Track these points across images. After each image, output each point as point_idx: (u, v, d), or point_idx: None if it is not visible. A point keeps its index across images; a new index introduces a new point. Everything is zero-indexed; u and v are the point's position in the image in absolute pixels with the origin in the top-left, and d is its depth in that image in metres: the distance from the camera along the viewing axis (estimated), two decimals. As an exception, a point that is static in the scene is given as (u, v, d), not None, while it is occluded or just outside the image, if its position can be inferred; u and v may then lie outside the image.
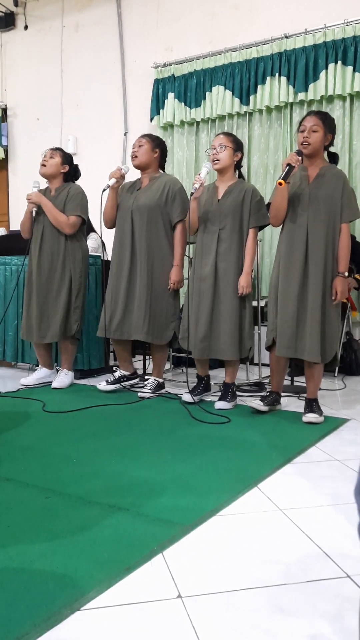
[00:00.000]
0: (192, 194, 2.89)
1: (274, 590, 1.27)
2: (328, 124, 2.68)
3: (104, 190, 3.20)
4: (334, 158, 2.80)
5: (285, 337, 2.69)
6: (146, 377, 3.51)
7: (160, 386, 3.32)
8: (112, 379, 3.39)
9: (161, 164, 3.33)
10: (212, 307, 2.93)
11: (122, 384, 3.40)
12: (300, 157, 2.63)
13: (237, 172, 3.07)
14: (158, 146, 3.27)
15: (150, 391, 3.23)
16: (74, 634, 1.12)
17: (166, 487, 1.86)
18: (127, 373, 3.44)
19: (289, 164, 2.59)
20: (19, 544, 1.46)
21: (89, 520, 1.60)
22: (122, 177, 3.22)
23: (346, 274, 2.68)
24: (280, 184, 2.58)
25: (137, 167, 3.26)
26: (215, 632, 1.12)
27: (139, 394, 3.22)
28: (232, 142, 2.97)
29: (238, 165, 3.05)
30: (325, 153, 2.78)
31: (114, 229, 3.35)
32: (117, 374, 3.42)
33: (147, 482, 1.90)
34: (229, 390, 3.03)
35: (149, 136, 3.30)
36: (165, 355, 3.37)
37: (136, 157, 3.22)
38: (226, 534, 1.55)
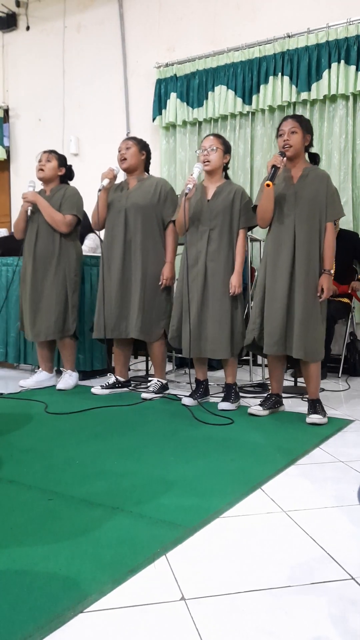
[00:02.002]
0: (186, 194, 2.90)
1: (277, 592, 1.26)
2: (305, 125, 2.75)
3: (99, 190, 3.23)
4: (315, 159, 2.85)
5: (273, 335, 2.71)
6: (149, 379, 3.51)
7: (164, 387, 3.32)
8: (107, 384, 3.40)
9: (146, 166, 3.38)
10: (202, 306, 2.95)
11: (115, 390, 3.38)
12: (284, 158, 2.68)
13: (224, 173, 3.11)
14: (144, 148, 3.33)
15: (153, 392, 3.22)
16: (77, 636, 1.11)
17: (169, 488, 1.85)
18: (122, 379, 3.43)
19: (274, 165, 2.64)
20: (22, 546, 1.46)
21: (91, 522, 1.60)
22: (115, 177, 3.25)
23: (332, 271, 2.71)
24: (267, 185, 2.62)
25: (126, 169, 3.30)
26: (218, 635, 1.11)
27: (142, 395, 3.21)
28: (222, 144, 3.01)
29: (226, 167, 3.09)
30: (307, 155, 2.83)
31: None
32: (111, 380, 3.42)
33: (150, 483, 1.90)
34: (231, 391, 3.03)
35: (135, 139, 3.35)
36: (164, 354, 3.36)
37: (125, 159, 3.26)
38: (229, 535, 1.54)
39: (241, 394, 3.25)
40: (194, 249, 3.01)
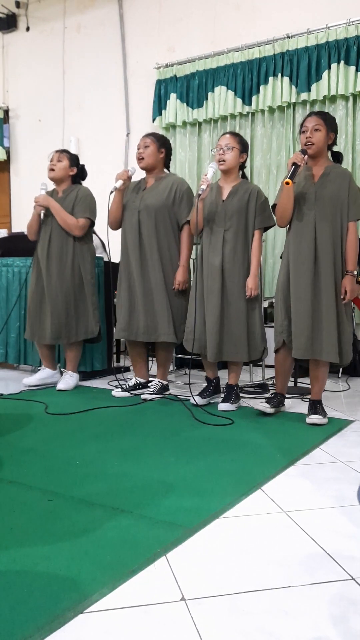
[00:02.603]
0: (199, 194, 2.85)
1: (278, 593, 1.26)
2: (329, 123, 2.68)
3: (111, 192, 3.16)
4: (338, 157, 2.79)
5: (301, 338, 2.65)
6: (150, 379, 3.51)
7: (165, 388, 3.31)
8: (128, 386, 3.33)
9: (166, 164, 3.30)
10: (221, 309, 2.90)
11: (136, 392, 3.31)
12: (305, 156, 2.62)
13: (241, 172, 3.05)
14: (163, 145, 3.23)
15: (154, 393, 3.22)
16: (77, 636, 1.11)
17: (170, 489, 1.85)
18: (143, 381, 3.38)
19: (294, 163, 2.58)
20: (22, 546, 1.46)
21: (92, 523, 1.60)
22: (129, 178, 3.18)
23: (355, 272, 2.66)
24: (287, 183, 2.56)
25: (143, 169, 3.22)
26: (219, 635, 1.12)
27: (142, 395, 3.21)
28: (238, 143, 2.94)
29: (242, 166, 3.03)
30: (329, 153, 2.78)
31: (118, 230, 3.34)
32: (132, 382, 3.35)
33: (150, 484, 1.90)
34: (232, 392, 3.02)
35: (154, 135, 3.25)
36: (170, 356, 3.35)
37: (143, 158, 3.18)
38: (230, 536, 1.54)
39: (241, 395, 3.24)
40: (208, 250, 2.95)
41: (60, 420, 2.75)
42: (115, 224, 3.28)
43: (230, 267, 2.91)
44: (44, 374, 3.58)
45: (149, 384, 3.34)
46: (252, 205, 2.91)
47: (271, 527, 1.60)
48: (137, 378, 3.38)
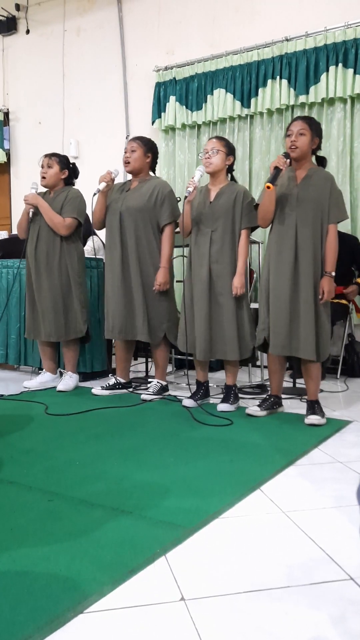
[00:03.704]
0: (185, 197, 2.91)
1: (277, 593, 1.27)
2: (314, 128, 2.74)
3: (94, 194, 3.25)
4: (322, 162, 2.84)
5: (279, 336, 2.72)
6: (149, 380, 3.52)
7: (164, 389, 3.33)
8: (108, 385, 3.41)
9: (152, 167, 3.37)
10: (210, 308, 2.96)
11: (115, 391, 3.40)
12: (287, 160, 2.68)
13: (229, 175, 3.11)
14: (150, 150, 3.31)
15: (152, 394, 3.23)
16: (77, 636, 1.12)
17: (169, 489, 1.86)
18: (123, 381, 3.45)
19: (276, 167, 2.64)
20: (22, 546, 1.46)
21: (92, 523, 1.60)
22: (112, 180, 3.26)
23: (333, 273, 2.71)
24: (268, 187, 2.62)
25: (130, 172, 3.30)
26: (218, 635, 1.12)
27: (142, 396, 3.22)
28: (224, 147, 3.00)
29: (230, 169, 3.09)
30: (314, 157, 2.83)
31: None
32: (112, 381, 3.43)
33: (150, 484, 1.90)
34: (231, 392, 3.03)
35: (141, 139, 3.31)
36: (166, 356, 3.37)
37: (129, 162, 3.25)
38: (229, 536, 1.55)
39: (240, 395, 3.25)
40: (197, 251, 3.02)
41: (60, 421, 2.76)
42: (98, 225, 3.35)
43: (218, 267, 2.96)
44: (45, 378, 3.59)
45: (148, 385, 3.35)
46: (239, 205, 2.96)
47: (270, 527, 1.60)
48: (117, 377, 3.43)
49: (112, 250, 3.26)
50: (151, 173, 3.38)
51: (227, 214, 2.96)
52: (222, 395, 3.09)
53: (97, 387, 3.42)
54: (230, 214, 2.96)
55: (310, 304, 2.66)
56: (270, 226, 2.85)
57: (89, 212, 3.49)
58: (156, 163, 3.38)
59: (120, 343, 3.39)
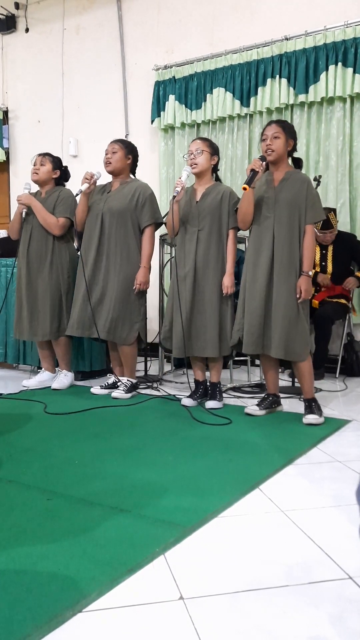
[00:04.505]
0: (174, 197, 2.94)
1: (276, 592, 1.27)
2: (288, 130, 2.79)
3: (76, 195, 3.27)
4: (298, 163, 2.89)
5: (252, 335, 2.76)
6: (148, 379, 3.52)
7: (134, 386, 3.34)
8: (107, 384, 3.43)
9: (132, 170, 3.41)
10: (192, 306, 3.00)
11: (114, 390, 3.37)
12: (263, 162, 2.73)
13: (215, 175, 3.14)
14: (131, 152, 3.35)
15: (123, 392, 3.25)
16: (76, 635, 1.12)
17: (168, 488, 1.86)
18: (117, 379, 3.44)
19: (252, 169, 2.70)
20: (21, 545, 1.46)
21: (90, 522, 1.60)
22: (95, 182, 3.28)
23: (310, 273, 2.74)
24: (244, 188, 2.67)
25: (110, 173, 3.33)
26: (217, 634, 1.12)
27: (112, 394, 3.25)
28: (208, 147, 3.04)
29: (215, 169, 3.12)
30: (290, 159, 2.87)
31: None
32: (111, 380, 3.44)
33: (149, 483, 1.90)
34: (216, 390, 3.08)
35: (122, 142, 3.36)
36: (134, 355, 3.37)
37: (110, 163, 3.29)
38: (228, 535, 1.55)
39: (239, 395, 3.27)
40: (183, 250, 3.06)
41: (59, 419, 2.76)
42: (81, 226, 3.38)
43: (203, 266, 3.00)
44: (44, 377, 3.61)
45: (118, 384, 3.36)
46: (225, 205, 3.00)
47: (269, 526, 1.60)
48: (115, 376, 3.44)
49: (88, 250, 3.29)
50: (131, 175, 3.42)
51: (213, 214, 3.00)
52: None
53: (96, 387, 3.43)
54: (216, 213, 3.00)
55: (283, 303, 2.69)
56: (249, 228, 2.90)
57: None
58: (136, 166, 3.42)
59: (111, 343, 3.40)
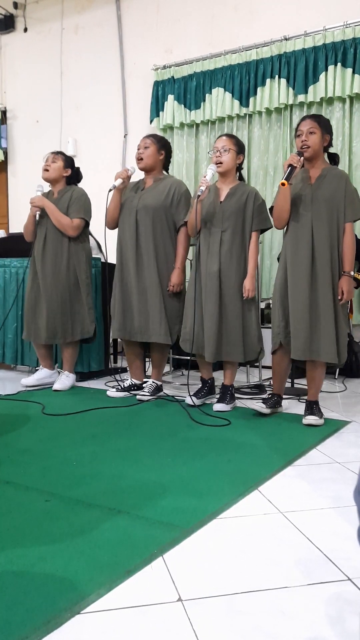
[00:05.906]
0: (198, 196, 2.86)
1: (275, 593, 1.26)
2: (324, 125, 2.71)
3: (110, 190, 3.17)
4: (334, 159, 2.81)
5: (300, 339, 2.66)
6: (145, 380, 3.50)
7: (159, 389, 3.31)
8: (123, 387, 3.34)
9: (165, 165, 3.31)
10: (219, 309, 2.92)
11: (131, 392, 3.32)
12: (301, 158, 2.65)
13: (238, 174, 3.07)
14: (163, 147, 3.24)
15: (148, 394, 3.22)
16: (74, 637, 1.11)
17: (167, 489, 1.85)
18: (138, 382, 3.38)
19: (290, 165, 2.61)
20: (19, 547, 1.46)
21: (89, 523, 1.60)
22: (129, 178, 3.20)
23: (352, 273, 2.67)
24: (282, 184, 2.60)
25: (142, 169, 3.23)
26: (216, 635, 1.12)
27: (137, 396, 3.21)
28: (235, 145, 2.96)
29: (239, 167, 3.05)
30: (326, 155, 2.80)
31: (115, 230, 3.34)
32: (127, 382, 3.36)
33: (147, 484, 1.90)
34: (227, 393, 3.03)
35: (154, 137, 3.25)
36: (165, 357, 3.35)
37: (142, 159, 3.18)
38: (227, 536, 1.55)
39: (238, 395, 3.25)
40: (206, 251, 2.97)
41: (58, 420, 2.75)
42: (112, 223, 3.28)
43: (227, 268, 2.92)
44: (42, 374, 3.59)
45: (144, 385, 3.33)
46: (250, 207, 2.93)
47: (268, 527, 1.60)
48: (133, 379, 3.38)
49: (127, 249, 3.18)
50: (164, 172, 3.31)
51: (237, 215, 2.92)
52: (218, 395, 3.08)
53: (111, 390, 3.34)
54: (240, 214, 2.92)
55: (329, 305, 2.62)
56: (285, 228, 2.80)
57: (95, 211, 3.46)
58: (169, 161, 3.31)
59: (130, 344, 3.31)
